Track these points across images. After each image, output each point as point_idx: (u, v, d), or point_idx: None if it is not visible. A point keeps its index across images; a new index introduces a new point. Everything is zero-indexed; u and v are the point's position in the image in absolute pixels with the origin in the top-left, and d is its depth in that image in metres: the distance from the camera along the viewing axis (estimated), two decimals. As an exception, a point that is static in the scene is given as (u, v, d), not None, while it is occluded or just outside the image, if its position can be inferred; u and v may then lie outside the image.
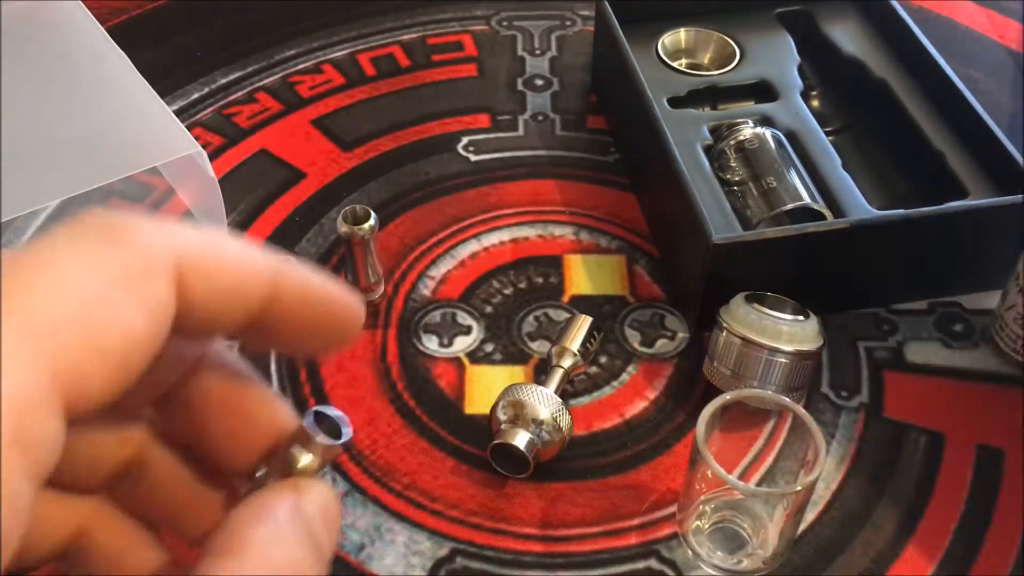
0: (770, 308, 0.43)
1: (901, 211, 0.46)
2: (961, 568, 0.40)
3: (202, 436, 0.24)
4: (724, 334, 0.43)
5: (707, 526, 0.41)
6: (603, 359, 0.47)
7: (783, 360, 0.42)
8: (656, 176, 0.51)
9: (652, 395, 0.46)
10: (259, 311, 0.21)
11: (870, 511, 0.42)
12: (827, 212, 0.48)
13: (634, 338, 0.48)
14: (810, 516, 0.41)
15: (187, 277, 0.20)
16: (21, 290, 0.18)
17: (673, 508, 0.42)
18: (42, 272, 0.18)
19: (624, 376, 0.46)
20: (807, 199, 0.48)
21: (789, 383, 0.42)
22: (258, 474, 0.24)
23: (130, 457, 0.24)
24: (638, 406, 0.45)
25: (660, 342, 0.48)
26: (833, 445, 0.44)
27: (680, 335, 0.48)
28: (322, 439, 0.23)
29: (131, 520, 0.25)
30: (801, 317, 0.43)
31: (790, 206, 0.47)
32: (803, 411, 0.38)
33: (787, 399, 0.39)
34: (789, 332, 0.42)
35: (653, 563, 0.40)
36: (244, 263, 0.21)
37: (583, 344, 0.45)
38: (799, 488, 0.36)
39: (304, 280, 0.23)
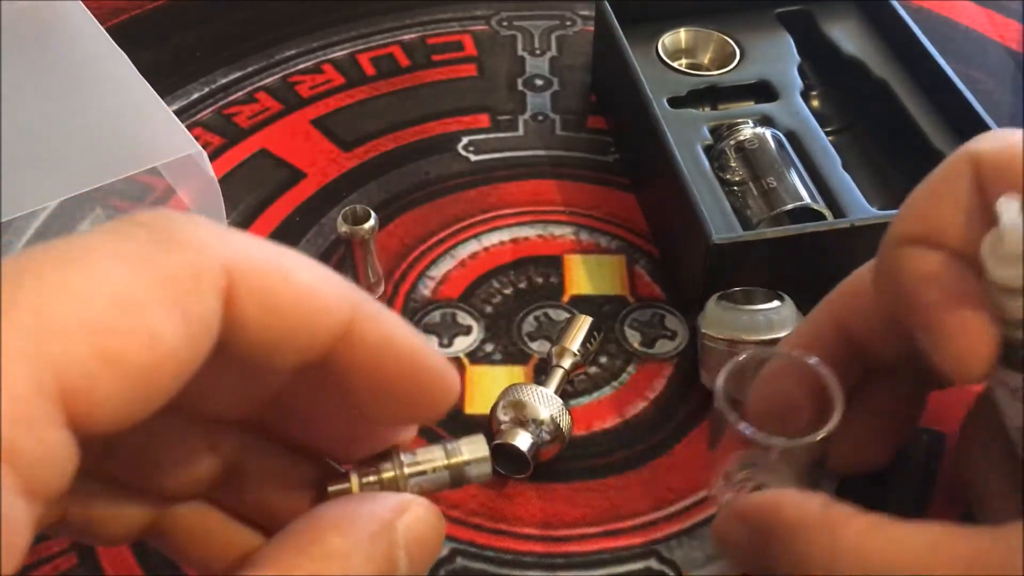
0: (743, 303, 0.43)
1: None
2: (961, 568, 0.40)
3: (310, 438, 0.22)
4: (705, 342, 0.43)
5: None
6: (603, 359, 0.47)
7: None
8: (656, 176, 0.51)
9: (652, 395, 0.46)
10: (326, 351, 0.19)
11: (870, 511, 0.42)
12: (827, 212, 0.48)
13: (634, 338, 0.48)
14: (810, 516, 0.41)
15: (241, 293, 0.17)
16: (36, 285, 0.15)
17: (673, 508, 0.42)
18: (66, 268, 0.16)
19: (624, 376, 0.46)
20: (807, 199, 0.48)
21: None
22: (365, 480, 0.21)
23: (222, 465, 0.22)
24: (638, 406, 0.45)
25: (660, 342, 0.48)
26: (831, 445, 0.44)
27: (680, 335, 0.48)
28: (465, 454, 0.21)
29: (228, 521, 0.23)
30: (776, 303, 0.43)
31: (790, 206, 0.47)
32: (822, 367, 0.36)
33: (804, 355, 0.38)
34: (767, 321, 0.42)
35: (653, 563, 0.40)
36: (313, 290, 0.18)
37: (583, 344, 0.45)
38: (822, 435, 0.35)
39: (389, 329, 0.19)
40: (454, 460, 0.22)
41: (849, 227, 0.45)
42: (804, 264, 0.47)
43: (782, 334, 0.42)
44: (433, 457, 0.22)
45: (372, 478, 0.21)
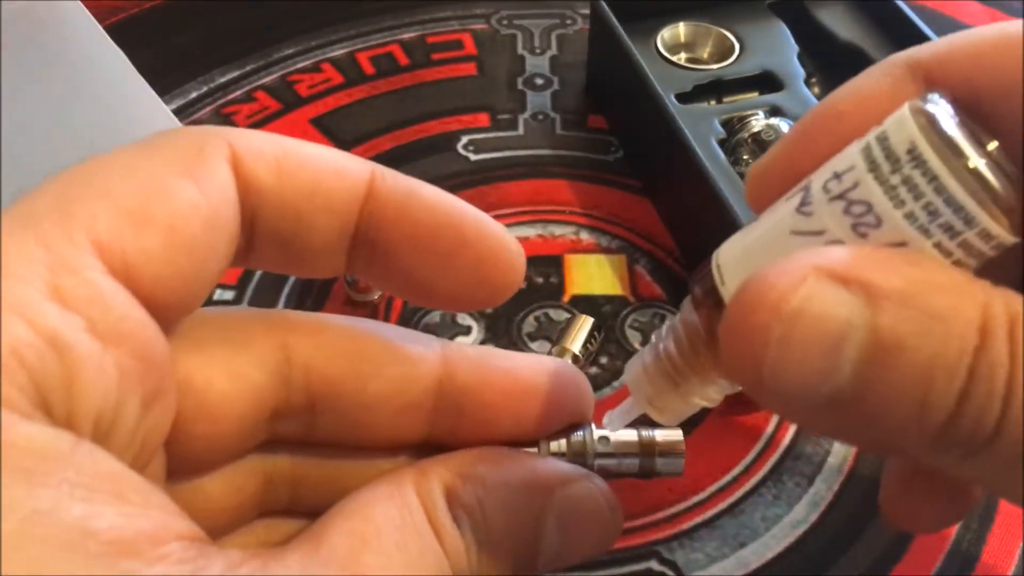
0: None
1: None
2: (962, 568, 0.40)
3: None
4: None
5: None
6: (603, 359, 0.47)
7: None
8: (675, 174, 0.51)
9: (652, 395, 0.46)
10: (355, 215, 0.20)
11: (871, 511, 0.42)
12: None
13: (634, 338, 0.48)
14: (811, 517, 0.41)
15: (248, 160, 0.19)
16: (59, 177, 0.18)
17: (673, 509, 0.41)
18: (84, 164, 0.18)
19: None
20: None
21: None
22: (552, 444, 0.21)
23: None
24: (638, 406, 0.45)
25: (660, 342, 0.48)
26: (833, 445, 0.44)
27: (680, 335, 0.48)
28: (659, 445, 0.20)
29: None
30: None
31: None
32: None
33: None
34: None
35: (653, 564, 0.40)
36: (319, 155, 0.20)
37: (584, 345, 0.45)
38: None
39: (411, 184, 0.20)
40: (647, 448, 0.21)
41: None
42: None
43: None
44: (626, 441, 0.21)
45: (560, 440, 0.21)
